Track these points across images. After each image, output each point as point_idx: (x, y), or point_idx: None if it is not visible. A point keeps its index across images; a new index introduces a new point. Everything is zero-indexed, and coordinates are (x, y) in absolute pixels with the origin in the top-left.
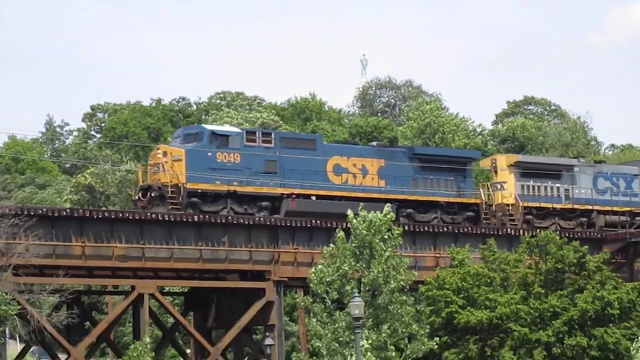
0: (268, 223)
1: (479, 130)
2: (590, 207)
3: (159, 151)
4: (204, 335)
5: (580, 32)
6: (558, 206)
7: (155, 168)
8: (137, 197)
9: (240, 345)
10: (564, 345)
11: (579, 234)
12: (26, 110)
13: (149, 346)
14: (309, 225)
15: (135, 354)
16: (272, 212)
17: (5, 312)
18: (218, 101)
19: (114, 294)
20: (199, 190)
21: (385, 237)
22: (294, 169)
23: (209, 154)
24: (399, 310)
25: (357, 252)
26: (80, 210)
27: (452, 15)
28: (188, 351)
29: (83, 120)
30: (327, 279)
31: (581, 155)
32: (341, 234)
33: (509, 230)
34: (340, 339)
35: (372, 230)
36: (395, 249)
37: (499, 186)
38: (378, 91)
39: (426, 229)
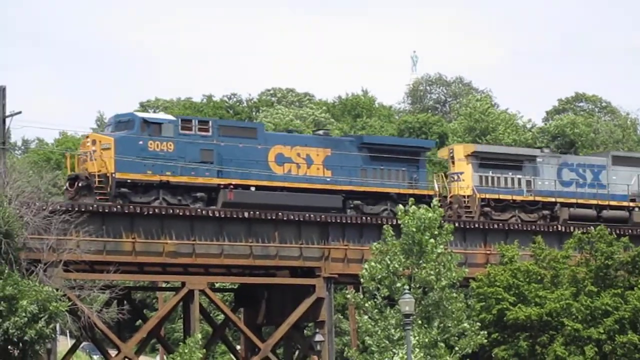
0: (318, 219)
1: (528, 126)
2: (553, 200)
3: (89, 139)
4: (254, 332)
5: (631, 28)
6: (518, 198)
7: (83, 157)
8: (65, 187)
9: (290, 342)
10: (615, 343)
11: (630, 230)
12: (77, 106)
13: (200, 342)
14: (359, 222)
15: (186, 350)
16: (209, 204)
17: (56, 308)
18: (268, 97)
19: (165, 290)
20: (129, 180)
21: (436, 233)
22: (233, 158)
23: (140, 142)
24: (450, 307)
25: (407, 249)
26: (131, 207)
27: (503, 11)
28: (238, 347)
29: None
30: (378, 276)
31: (546, 146)
32: (390, 230)
33: (559, 227)
34: (391, 336)
35: (422, 228)
36: (446, 245)
37: (455, 177)
38: (428, 87)
39: (476, 225)
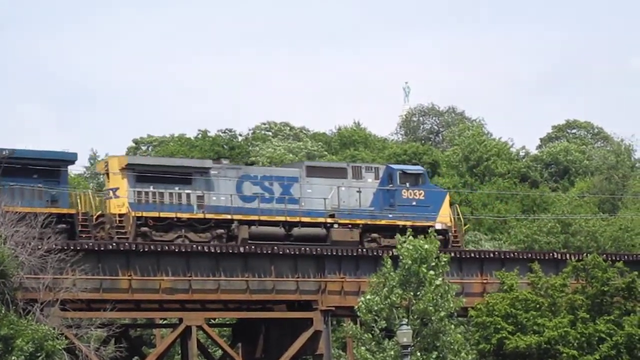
0: (314, 253)
1: (522, 154)
2: (229, 217)
3: None
4: None
5: (625, 55)
6: (184, 216)
7: None
8: None
9: None
10: None
11: (625, 257)
12: (70, 145)
13: None
14: (355, 254)
15: None
16: None
17: (53, 346)
18: (264, 132)
19: (162, 327)
20: None
21: (432, 264)
22: None
23: None
24: (448, 338)
25: (405, 281)
26: (127, 244)
27: (493, 39)
28: None
29: (127, 154)
30: (375, 308)
31: (227, 157)
32: (388, 261)
33: (555, 254)
34: None
35: (418, 260)
36: (443, 276)
37: (111, 193)
38: (421, 118)
39: (472, 255)
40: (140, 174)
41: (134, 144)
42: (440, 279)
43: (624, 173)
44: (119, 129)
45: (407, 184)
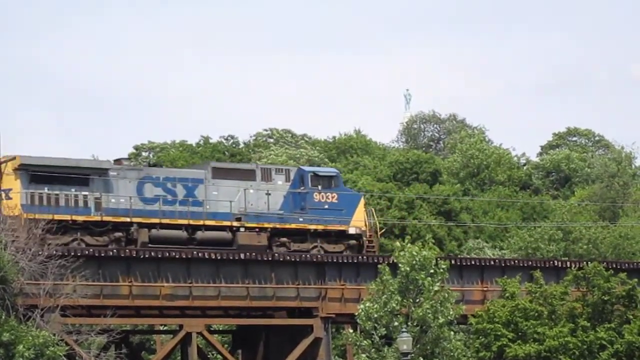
0: (315, 260)
1: (523, 161)
2: (128, 220)
3: None
4: None
5: (625, 62)
6: (80, 218)
7: None
8: None
9: None
10: None
11: (626, 265)
12: (72, 150)
13: None
14: (355, 261)
15: None
16: None
17: (54, 352)
18: (265, 139)
19: (162, 333)
20: None
21: (431, 271)
22: None
23: None
24: (448, 345)
25: (403, 288)
26: (127, 250)
27: (495, 47)
28: None
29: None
30: (375, 315)
31: (127, 157)
32: (386, 269)
33: (556, 262)
34: None
35: (416, 267)
36: (442, 283)
37: (2, 194)
38: (422, 125)
39: (473, 262)
40: (34, 174)
41: (134, 150)
42: (437, 285)
43: (625, 181)
44: (120, 135)
45: (320, 187)
